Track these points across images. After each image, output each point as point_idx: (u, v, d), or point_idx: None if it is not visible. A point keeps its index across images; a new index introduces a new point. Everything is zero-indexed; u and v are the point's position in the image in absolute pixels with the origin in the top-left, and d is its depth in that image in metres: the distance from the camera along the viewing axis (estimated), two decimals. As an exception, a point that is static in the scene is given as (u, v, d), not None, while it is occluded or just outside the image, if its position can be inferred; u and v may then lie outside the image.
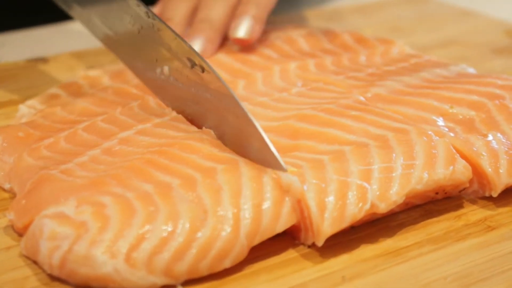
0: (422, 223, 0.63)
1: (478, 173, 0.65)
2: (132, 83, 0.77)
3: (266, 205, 0.58)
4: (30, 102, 0.76)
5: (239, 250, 0.56)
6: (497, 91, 0.72)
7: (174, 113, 0.69)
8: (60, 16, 0.84)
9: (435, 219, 0.63)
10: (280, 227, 0.58)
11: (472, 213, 0.64)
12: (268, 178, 0.59)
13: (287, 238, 0.60)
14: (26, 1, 1.08)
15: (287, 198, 0.58)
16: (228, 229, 0.56)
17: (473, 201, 0.66)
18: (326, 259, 0.58)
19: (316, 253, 0.59)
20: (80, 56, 0.89)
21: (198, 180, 0.59)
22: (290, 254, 0.59)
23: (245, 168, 0.60)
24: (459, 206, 0.65)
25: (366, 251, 0.59)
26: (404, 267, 0.58)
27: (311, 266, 0.58)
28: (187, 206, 0.56)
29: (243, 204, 0.57)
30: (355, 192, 0.59)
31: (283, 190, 0.59)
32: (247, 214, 0.57)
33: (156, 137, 0.65)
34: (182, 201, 0.57)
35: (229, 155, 0.61)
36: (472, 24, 1.04)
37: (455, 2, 1.11)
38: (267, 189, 0.58)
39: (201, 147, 0.62)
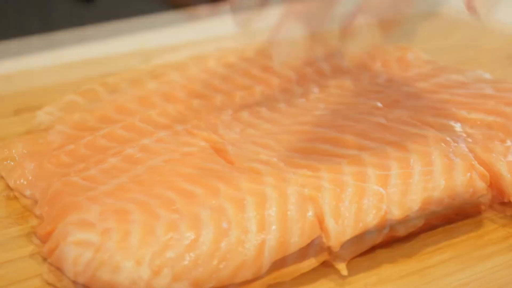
0: (445, 242, 0.62)
1: (496, 179, 0.65)
2: (150, 90, 0.77)
3: (291, 218, 0.57)
4: (48, 109, 0.76)
5: (263, 262, 0.56)
6: (515, 97, 0.72)
7: (195, 121, 0.69)
8: (77, 22, 0.84)
9: (458, 239, 0.63)
10: (304, 241, 0.57)
11: (495, 231, 0.64)
12: (292, 189, 0.59)
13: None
14: (43, 8, 1.08)
15: (309, 208, 0.58)
16: (253, 241, 0.56)
17: (494, 220, 0.65)
18: (351, 274, 0.58)
19: (340, 274, 0.58)
20: (97, 62, 0.89)
21: (220, 189, 0.59)
22: (311, 274, 0.58)
23: (269, 178, 0.59)
24: (481, 225, 0.64)
25: (392, 272, 0.59)
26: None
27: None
28: (210, 215, 0.56)
29: (268, 216, 0.57)
30: (370, 198, 0.59)
31: (306, 201, 0.58)
32: (272, 227, 0.56)
33: (178, 145, 0.65)
34: (205, 210, 0.57)
35: (251, 165, 0.61)
36: (486, 30, 1.04)
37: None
38: (292, 201, 0.58)
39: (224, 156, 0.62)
